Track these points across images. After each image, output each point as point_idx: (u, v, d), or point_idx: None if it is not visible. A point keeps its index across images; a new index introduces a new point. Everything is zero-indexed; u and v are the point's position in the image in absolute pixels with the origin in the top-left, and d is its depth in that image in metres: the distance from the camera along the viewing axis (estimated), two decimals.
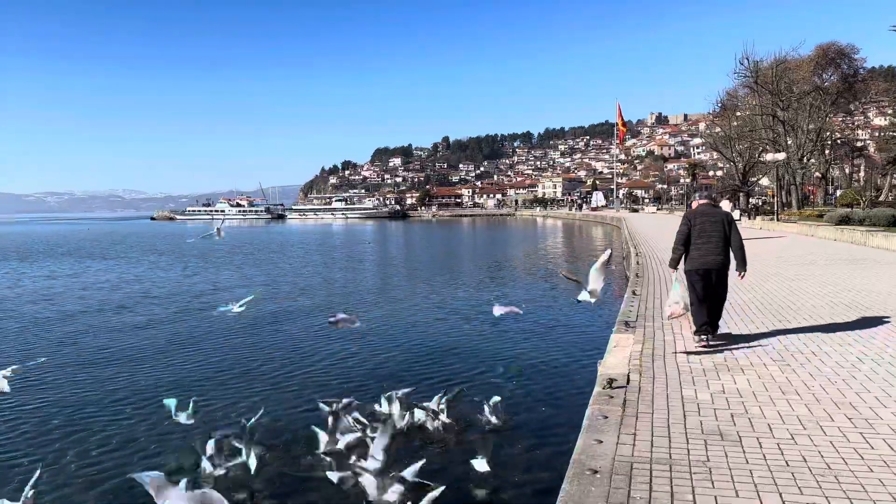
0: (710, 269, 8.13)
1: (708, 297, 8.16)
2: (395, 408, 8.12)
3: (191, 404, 7.77)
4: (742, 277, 8.55)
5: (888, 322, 9.21)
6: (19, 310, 19.43)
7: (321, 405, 8.15)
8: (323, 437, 7.36)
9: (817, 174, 61.98)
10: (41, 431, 8.65)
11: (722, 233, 8.18)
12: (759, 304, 11.01)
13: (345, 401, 7.97)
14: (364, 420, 7.67)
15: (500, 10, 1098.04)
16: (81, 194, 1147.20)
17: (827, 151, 61.83)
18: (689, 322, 8.50)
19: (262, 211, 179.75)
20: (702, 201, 8.67)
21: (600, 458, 4.56)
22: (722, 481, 4.15)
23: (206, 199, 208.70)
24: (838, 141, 64.13)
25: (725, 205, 32.62)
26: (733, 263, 8.30)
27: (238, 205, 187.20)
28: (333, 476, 6.30)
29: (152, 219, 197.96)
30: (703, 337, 8.07)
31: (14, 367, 7.74)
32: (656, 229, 40.83)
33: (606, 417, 5.40)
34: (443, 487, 5.71)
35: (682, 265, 8.40)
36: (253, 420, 7.45)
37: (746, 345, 7.97)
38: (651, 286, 13.68)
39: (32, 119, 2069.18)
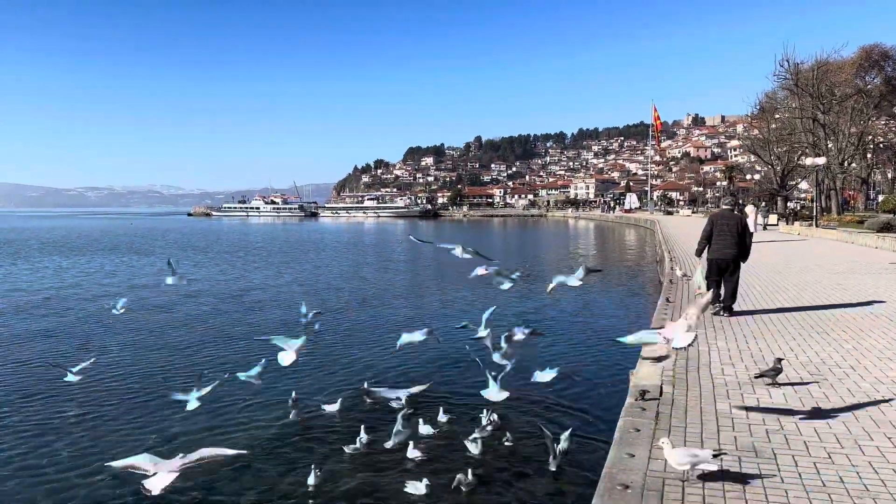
0: (724, 258, 10.77)
1: (721, 280, 10.82)
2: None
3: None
4: (743, 263, 11.00)
5: None
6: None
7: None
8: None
9: (858, 178, 60.48)
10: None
11: (735, 233, 10.73)
12: (797, 315, 10.81)
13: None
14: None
15: (536, 10, 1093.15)
16: (121, 189, 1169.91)
17: (869, 155, 60.27)
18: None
19: (295, 209, 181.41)
20: (724, 207, 11.56)
21: (632, 472, 4.55)
22: (756, 500, 4.11)
23: (242, 195, 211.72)
24: (881, 145, 62.47)
25: (750, 209, 32.45)
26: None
27: (272, 202, 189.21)
28: None
29: (189, 215, 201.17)
30: (718, 310, 10.73)
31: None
32: (691, 233, 40.20)
33: (639, 430, 5.37)
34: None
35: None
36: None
37: (782, 357, 7.84)
38: (685, 292, 13.50)
39: (74, 116, 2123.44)
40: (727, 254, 10.73)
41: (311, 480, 6.84)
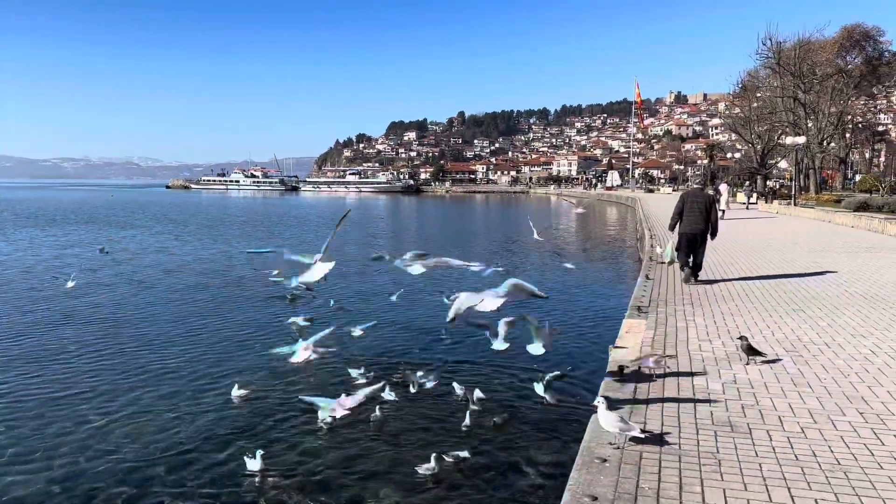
0: (693, 233, 11.96)
1: (691, 252, 12.02)
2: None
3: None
4: (712, 240, 12.25)
5: None
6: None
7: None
8: None
9: (837, 157, 61.10)
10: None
11: (704, 209, 11.91)
12: (773, 293, 10.95)
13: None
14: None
15: None
16: (98, 161, 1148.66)
17: (847, 135, 60.87)
18: (680, 267, 12.29)
19: (276, 182, 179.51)
20: (695, 186, 14.26)
21: (610, 446, 4.61)
22: (731, 474, 4.18)
23: (222, 168, 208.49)
24: (859, 125, 63.09)
25: (724, 188, 32.79)
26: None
27: (252, 175, 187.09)
28: None
29: (167, 187, 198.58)
30: (686, 276, 11.92)
31: None
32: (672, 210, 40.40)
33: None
34: None
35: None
36: None
37: (759, 334, 7.96)
38: (665, 270, 13.61)
39: (50, 85, 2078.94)
40: (696, 228, 11.94)
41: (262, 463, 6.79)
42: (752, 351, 6.67)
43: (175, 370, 10.17)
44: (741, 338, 6.85)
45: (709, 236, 12.08)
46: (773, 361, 6.74)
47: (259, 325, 13.36)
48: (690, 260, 12.05)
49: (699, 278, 12.06)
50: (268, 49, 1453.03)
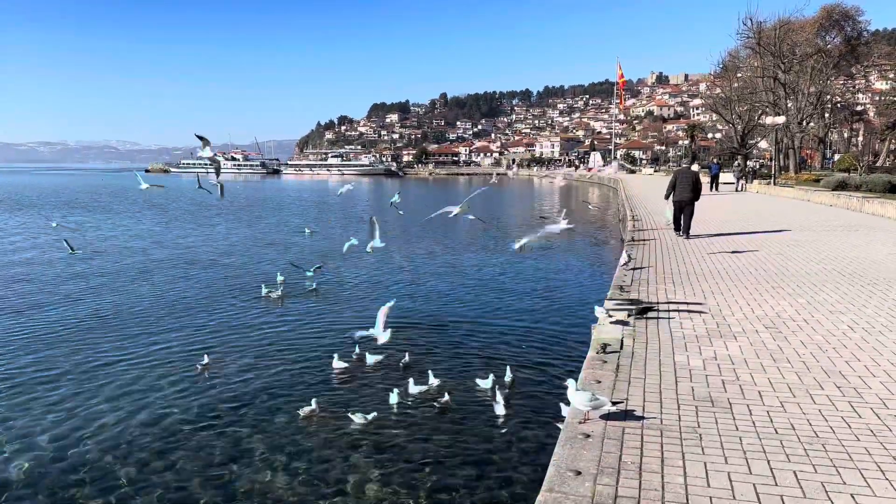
0: (682, 200, 15.82)
1: (680, 214, 15.97)
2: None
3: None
4: (696, 201, 15.90)
5: (880, 290, 9.28)
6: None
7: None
8: None
9: (816, 137, 61.53)
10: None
11: (691, 183, 15.76)
12: (753, 271, 11.06)
13: None
14: None
15: None
16: (75, 145, 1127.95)
17: (826, 115, 61.27)
18: (674, 228, 16.30)
19: (257, 165, 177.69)
20: (684, 165, 18.70)
21: (593, 422, 4.64)
22: (712, 447, 4.24)
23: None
24: (838, 105, 63.51)
25: (695, 167, 32.82)
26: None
27: (233, 158, 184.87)
28: None
29: (147, 171, 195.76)
30: (680, 234, 15.83)
31: None
32: (654, 192, 40.56)
33: (599, 382, 5.48)
34: None
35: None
36: None
37: (739, 311, 8.04)
38: (647, 250, 13.69)
39: (26, 67, 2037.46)
40: (685, 197, 15.78)
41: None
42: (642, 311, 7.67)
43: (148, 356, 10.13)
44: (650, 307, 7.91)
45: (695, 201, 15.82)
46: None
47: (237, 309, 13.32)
48: (682, 222, 15.85)
49: (690, 236, 15.65)
50: (248, 31, 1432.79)
